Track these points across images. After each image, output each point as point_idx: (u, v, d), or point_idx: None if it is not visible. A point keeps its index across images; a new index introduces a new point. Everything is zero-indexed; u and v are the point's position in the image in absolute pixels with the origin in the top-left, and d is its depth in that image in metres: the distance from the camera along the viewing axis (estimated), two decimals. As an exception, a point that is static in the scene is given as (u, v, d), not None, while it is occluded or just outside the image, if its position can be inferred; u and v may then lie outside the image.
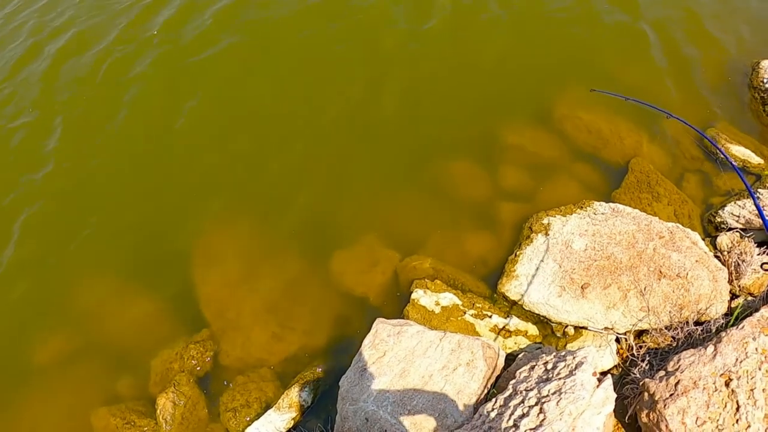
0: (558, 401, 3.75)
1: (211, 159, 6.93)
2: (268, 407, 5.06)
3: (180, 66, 8.27)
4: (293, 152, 6.78)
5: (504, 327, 5.01)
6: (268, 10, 8.85)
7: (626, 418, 4.24)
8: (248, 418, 5.07)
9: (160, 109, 7.74)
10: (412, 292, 5.26)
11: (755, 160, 5.95)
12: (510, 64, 7.36)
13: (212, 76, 8.04)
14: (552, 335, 4.98)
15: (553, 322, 4.97)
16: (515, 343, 4.93)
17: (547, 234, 5.34)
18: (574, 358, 4.08)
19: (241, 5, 9.06)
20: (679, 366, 4.04)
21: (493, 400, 4.05)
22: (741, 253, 5.14)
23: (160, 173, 6.93)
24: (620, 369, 4.74)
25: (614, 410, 4.23)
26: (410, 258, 5.64)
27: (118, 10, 9.58)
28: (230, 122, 7.30)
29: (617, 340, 4.87)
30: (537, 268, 5.13)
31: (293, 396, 4.99)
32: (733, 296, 5.04)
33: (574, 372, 3.94)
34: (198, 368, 5.43)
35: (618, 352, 4.82)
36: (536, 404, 3.81)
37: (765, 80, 6.49)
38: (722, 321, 4.71)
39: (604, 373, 4.64)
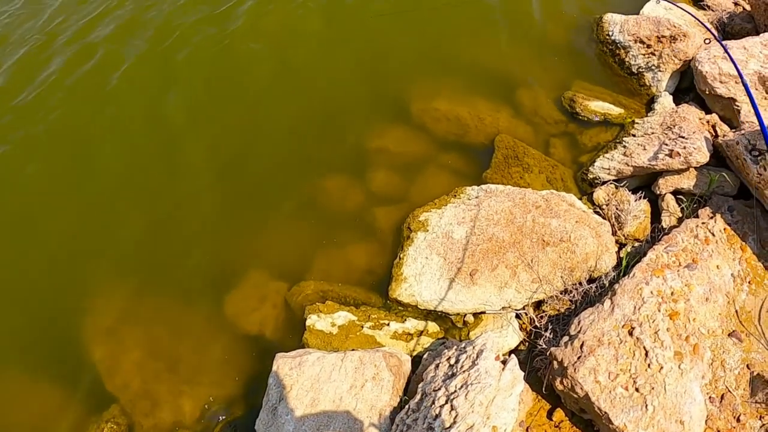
0: (466, 394, 3.67)
1: (79, 229, 6.53)
2: (193, 468, 4.82)
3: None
4: (160, 202, 6.47)
5: (404, 331, 4.88)
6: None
7: (543, 389, 4.18)
8: (175, 486, 4.80)
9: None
10: (306, 319, 5.09)
11: (615, 111, 6.10)
12: (357, 70, 7.30)
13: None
14: (453, 327, 4.89)
15: (451, 315, 4.87)
16: (419, 344, 4.80)
17: (426, 230, 5.26)
18: (473, 347, 4.01)
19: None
20: (581, 327, 4.03)
21: (406, 407, 3.95)
22: (618, 203, 5.23)
23: (31, 253, 6.49)
24: (527, 344, 4.70)
25: (531, 384, 4.24)
26: (297, 285, 5.46)
27: None
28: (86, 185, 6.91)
29: (518, 317, 4.83)
30: (423, 266, 5.03)
31: (214, 451, 4.78)
32: (621, 246, 5.10)
33: (476, 362, 3.87)
34: (115, 446, 5.14)
35: (522, 328, 4.78)
36: (446, 402, 3.71)
37: (610, 32, 6.67)
38: (614, 273, 4.75)
39: (511, 352, 4.61)
